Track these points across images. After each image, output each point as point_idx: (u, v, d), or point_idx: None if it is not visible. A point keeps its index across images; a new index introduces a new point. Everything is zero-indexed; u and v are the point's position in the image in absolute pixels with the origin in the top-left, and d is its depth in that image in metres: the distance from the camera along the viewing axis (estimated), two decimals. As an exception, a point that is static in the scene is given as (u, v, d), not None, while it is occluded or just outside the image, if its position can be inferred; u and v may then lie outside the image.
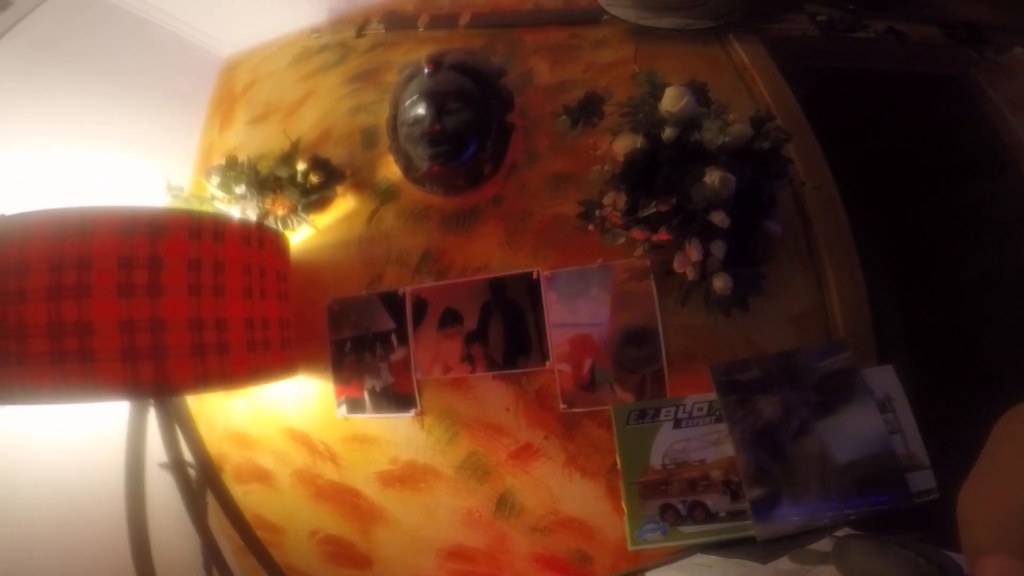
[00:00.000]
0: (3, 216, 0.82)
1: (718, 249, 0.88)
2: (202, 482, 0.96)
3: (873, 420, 0.81)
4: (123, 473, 0.88)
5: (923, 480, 0.76)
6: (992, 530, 0.31)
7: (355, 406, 1.15)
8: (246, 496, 1.20)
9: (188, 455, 0.94)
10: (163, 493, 0.92)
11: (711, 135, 0.87)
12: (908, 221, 1.34)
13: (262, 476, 1.25)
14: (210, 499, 0.98)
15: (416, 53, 1.23)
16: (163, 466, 0.92)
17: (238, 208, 1.18)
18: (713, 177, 0.84)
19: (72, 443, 1.09)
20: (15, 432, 1.00)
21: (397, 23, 1.34)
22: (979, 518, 0.33)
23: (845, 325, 0.95)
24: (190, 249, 0.82)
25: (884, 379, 0.85)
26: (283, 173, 1.18)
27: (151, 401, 0.89)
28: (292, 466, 1.22)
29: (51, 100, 1.15)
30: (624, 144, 0.92)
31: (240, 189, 1.17)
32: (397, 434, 1.12)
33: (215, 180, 1.19)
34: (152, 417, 0.90)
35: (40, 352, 0.75)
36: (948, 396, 1.11)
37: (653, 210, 0.88)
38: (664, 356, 0.97)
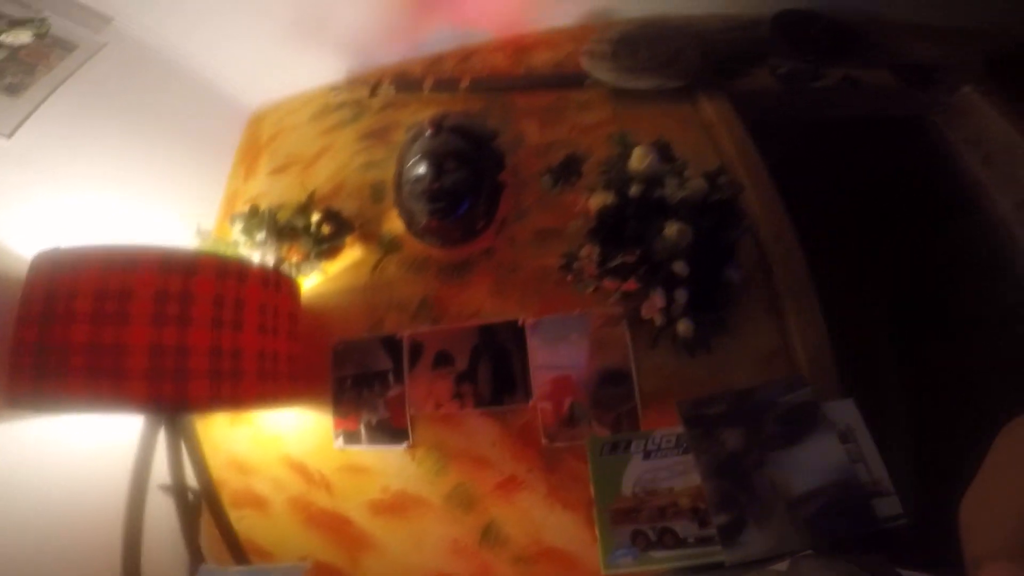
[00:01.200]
0: (57, 249, 1.00)
1: (681, 296, 1.03)
2: (199, 502, 1.09)
3: (835, 450, 0.91)
4: (121, 488, 1.00)
5: (889, 506, 0.84)
6: (992, 537, 0.34)
7: (351, 438, 1.29)
8: (240, 521, 1.27)
9: (191, 475, 1.08)
10: (159, 510, 1.05)
11: (671, 190, 1.04)
12: (893, 263, 1.46)
13: (258, 502, 1.37)
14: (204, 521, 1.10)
15: (422, 114, 1.45)
16: (163, 488, 1.05)
17: (258, 253, 1.38)
18: (671, 229, 1.00)
19: (82, 455, 1.18)
20: (40, 440, 1.12)
21: (406, 85, 1.58)
22: (980, 525, 0.36)
23: (809, 364, 1.06)
24: (216, 288, 1.01)
25: (845, 412, 0.96)
26: (299, 223, 1.39)
27: (164, 419, 1.04)
28: (287, 493, 1.34)
29: (103, 142, 1.34)
30: (597, 201, 1.09)
31: (261, 236, 1.37)
32: (389, 465, 1.25)
33: (238, 226, 1.40)
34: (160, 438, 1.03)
35: (78, 367, 0.91)
36: (943, 428, 1.19)
37: (620, 261, 1.04)
38: (637, 395, 1.10)
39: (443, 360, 1.25)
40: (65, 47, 1.27)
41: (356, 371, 1.32)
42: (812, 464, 0.90)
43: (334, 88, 1.67)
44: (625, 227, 1.05)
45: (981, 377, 1.23)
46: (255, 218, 1.39)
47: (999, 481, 0.38)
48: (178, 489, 1.05)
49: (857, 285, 1.41)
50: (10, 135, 1.16)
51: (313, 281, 1.43)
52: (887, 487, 0.86)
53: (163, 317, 0.94)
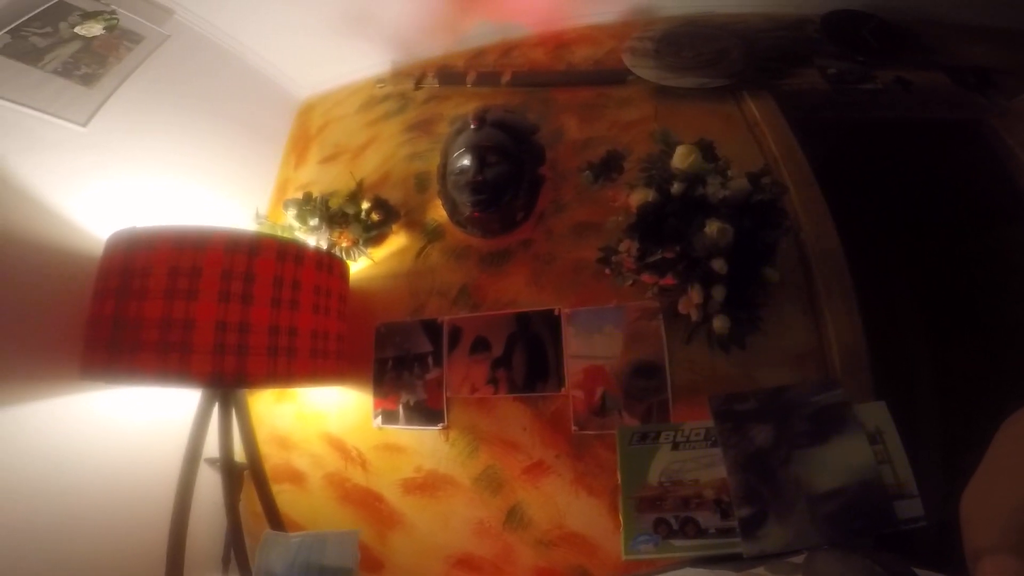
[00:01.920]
0: (134, 228, 1.10)
1: (718, 293, 1.06)
2: (242, 474, 1.17)
3: (862, 450, 0.92)
4: (162, 459, 1.10)
5: (911, 508, 0.85)
6: (992, 530, 0.34)
7: (390, 417, 1.37)
8: (278, 495, 1.32)
9: (238, 448, 1.16)
10: (199, 480, 1.13)
11: (713, 189, 1.06)
12: (937, 268, 1.44)
13: (296, 477, 1.46)
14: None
15: (464, 107, 1.51)
16: (209, 462, 1.13)
17: (312, 237, 1.47)
18: (712, 228, 1.03)
19: (135, 427, 1.29)
20: (101, 415, 1.23)
21: (449, 78, 1.63)
22: (980, 518, 0.36)
23: (842, 366, 1.07)
24: (275, 268, 1.09)
25: (876, 413, 0.96)
26: (350, 210, 1.47)
27: (220, 393, 1.13)
28: (325, 469, 1.43)
29: (167, 129, 1.44)
30: (638, 197, 1.12)
31: (314, 222, 1.46)
32: (424, 445, 1.32)
33: (292, 212, 1.48)
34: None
35: (150, 341, 1.00)
36: (974, 434, 1.18)
37: (659, 256, 1.07)
38: (669, 388, 1.13)
39: (480, 346, 1.31)
40: (132, 39, 1.36)
41: (397, 353, 1.39)
42: (838, 463, 0.91)
43: (380, 80, 1.74)
44: (665, 224, 1.08)
45: (1015, 385, 1.22)
46: (308, 204, 1.48)
47: (999, 474, 0.39)
48: (226, 462, 1.13)
49: (896, 289, 1.41)
50: (85, 123, 1.26)
51: (360, 266, 1.50)
52: (912, 490, 0.86)
53: (228, 295, 1.02)
